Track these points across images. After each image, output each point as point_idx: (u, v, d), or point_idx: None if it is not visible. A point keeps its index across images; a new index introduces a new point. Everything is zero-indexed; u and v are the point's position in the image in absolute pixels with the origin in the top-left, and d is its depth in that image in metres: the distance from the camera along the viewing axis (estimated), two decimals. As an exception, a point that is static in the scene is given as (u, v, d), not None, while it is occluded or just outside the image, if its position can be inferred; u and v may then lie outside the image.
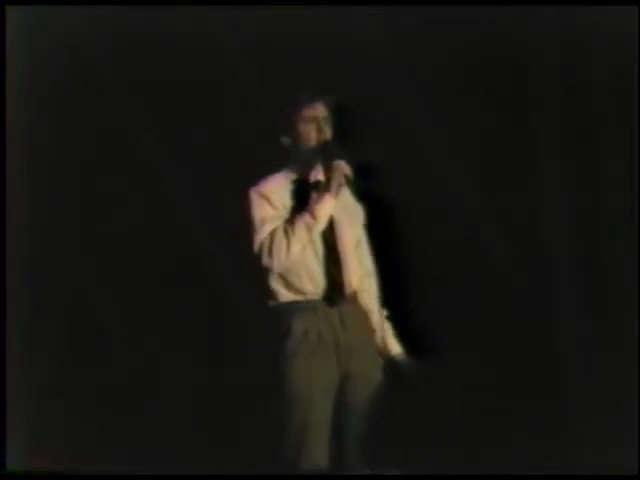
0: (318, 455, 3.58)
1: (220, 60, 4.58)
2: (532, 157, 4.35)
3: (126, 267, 4.73)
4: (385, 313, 3.83)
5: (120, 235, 4.70)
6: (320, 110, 3.74)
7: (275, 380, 3.61)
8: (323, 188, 3.67)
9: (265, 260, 3.62)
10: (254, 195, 3.69)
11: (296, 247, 3.61)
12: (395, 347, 3.82)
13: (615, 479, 4.06)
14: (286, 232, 3.61)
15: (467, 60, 4.36)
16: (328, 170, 3.67)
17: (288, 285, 3.67)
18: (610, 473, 4.06)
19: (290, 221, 3.64)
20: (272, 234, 3.61)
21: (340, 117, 3.78)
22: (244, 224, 3.68)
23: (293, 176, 3.75)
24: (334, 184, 3.64)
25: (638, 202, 4.24)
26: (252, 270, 3.70)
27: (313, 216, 3.62)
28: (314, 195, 3.68)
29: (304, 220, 3.63)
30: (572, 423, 4.29)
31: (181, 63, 4.62)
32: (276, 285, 3.68)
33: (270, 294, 3.69)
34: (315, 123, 3.72)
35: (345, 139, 3.75)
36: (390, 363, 3.77)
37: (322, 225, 3.64)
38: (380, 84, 4.37)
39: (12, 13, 4.54)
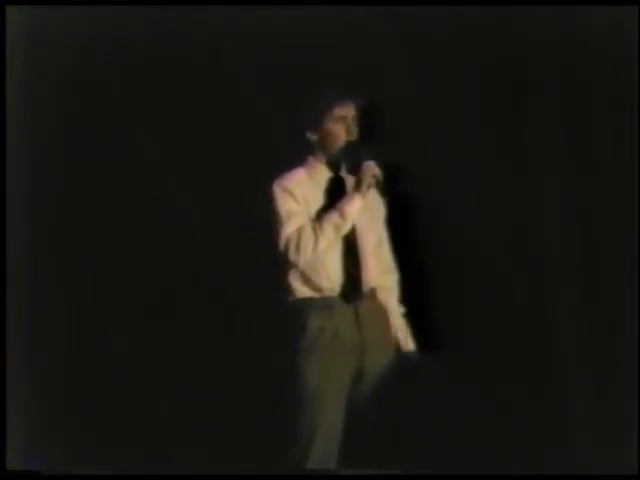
0: (326, 454, 3.59)
1: (220, 60, 4.59)
2: (532, 157, 4.35)
3: (126, 267, 4.73)
4: (403, 310, 3.85)
5: (120, 235, 4.70)
6: (350, 109, 3.75)
7: (289, 377, 3.62)
8: (352, 188, 3.68)
9: (292, 256, 3.62)
10: (277, 189, 3.69)
11: (323, 245, 3.62)
12: (410, 344, 3.84)
13: (615, 479, 4.07)
14: (314, 230, 3.62)
15: (466, 60, 4.36)
16: (354, 170, 3.69)
17: (306, 281, 3.67)
18: (610, 473, 4.06)
19: (318, 219, 3.64)
20: (299, 230, 3.62)
21: (367, 117, 3.79)
22: (249, 222, 3.69)
23: (314, 172, 3.75)
24: (364, 184, 3.64)
25: (638, 202, 4.24)
26: (264, 266, 3.71)
27: (342, 216, 3.63)
28: (338, 194, 3.68)
29: (332, 219, 3.64)
30: (572, 423, 4.28)
31: (181, 63, 4.62)
32: (294, 281, 3.68)
33: (287, 289, 3.69)
34: (344, 122, 3.73)
35: (370, 139, 3.76)
36: (402, 360, 3.78)
37: (350, 225, 3.66)
38: (380, 84, 4.37)
39: (12, 13, 4.54)
